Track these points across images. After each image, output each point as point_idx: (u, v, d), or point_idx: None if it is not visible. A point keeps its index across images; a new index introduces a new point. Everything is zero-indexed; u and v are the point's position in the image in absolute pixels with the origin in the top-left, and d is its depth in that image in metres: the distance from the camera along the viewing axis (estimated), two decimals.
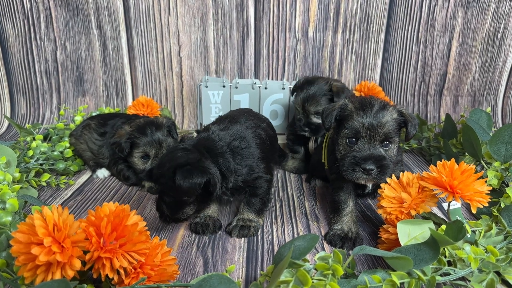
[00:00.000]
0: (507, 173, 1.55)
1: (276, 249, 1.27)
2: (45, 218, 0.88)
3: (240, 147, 1.34)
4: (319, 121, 1.81)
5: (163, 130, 1.69)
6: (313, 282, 0.89)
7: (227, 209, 1.55)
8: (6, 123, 2.56)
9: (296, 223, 1.45)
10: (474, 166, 1.21)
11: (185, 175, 1.16)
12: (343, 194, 1.42)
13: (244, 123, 1.46)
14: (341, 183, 1.42)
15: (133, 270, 0.96)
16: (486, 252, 1.09)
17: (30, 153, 1.72)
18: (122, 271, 0.93)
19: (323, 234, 1.38)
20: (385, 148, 1.29)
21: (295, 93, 1.90)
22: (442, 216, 1.46)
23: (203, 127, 1.46)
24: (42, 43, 2.47)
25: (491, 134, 1.81)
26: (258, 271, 1.16)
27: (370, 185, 1.42)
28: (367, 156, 1.24)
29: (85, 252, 0.90)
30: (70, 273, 0.86)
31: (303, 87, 1.82)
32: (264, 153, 1.43)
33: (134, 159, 1.69)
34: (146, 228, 1.00)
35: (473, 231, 1.19)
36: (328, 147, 1.53)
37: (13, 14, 2.40)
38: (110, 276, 0.90)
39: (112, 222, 0.92)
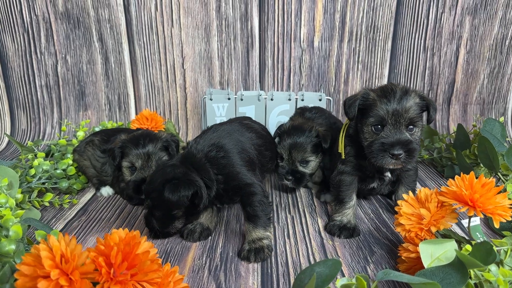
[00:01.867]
0: None
1: (291, 271, 1.22)
2: (52, 249, 0.83)
3: (217, 157, 1.38)
4: (305, 170, 1.78)
5: (157, 144, 1.63)
6: None
7: (237, 230, 1.50)
8: (6, 139, 2.51)
9: (310, 242, 1.39)
10: (494, 179, 1.17)
11: (173, 188, 1.24)
12: (349, 188, 1.51)
13: (222, 133, 1.49)
14: (349, 177, 1.52)
15: None
16: None
17: (32, 172, 1.67)
18: None
19: (339, 254, 1.32)
20: (410, 133, 1.34)
21: (279, 137, 1.85)
22: (461, 233, 1.42)
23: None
24: (42, 57, 2.43)
25: (505, 144, 1.77)
26: None
27: (389, 175, 1.52)
28: (394, 142, 1.30)
29: (94, 284, 0.84)
30: None
31: (290, 133, 1.78)
32: (245, 162, 1.44)
33: (123, 169, 1.63)
34: (158, 255, 0.95)
35: (498, 251, 1.14)
36: (347, 137, 1.55)
37: (12, 28, 2.36)
38: None
39: (122, 251, 0.87)
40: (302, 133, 1.75)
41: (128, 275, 0.86)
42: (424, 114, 1.43)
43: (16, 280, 0.82)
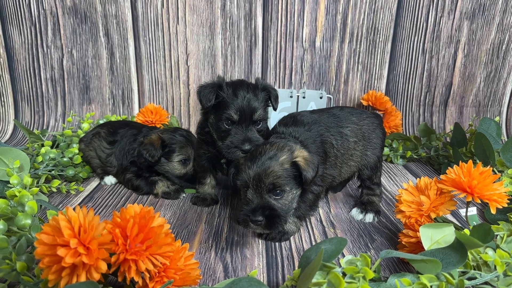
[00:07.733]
0: None
1: (295, 255, 1.26)
2: (70, 220, 0.87)
3: None
4: None
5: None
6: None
7: None
8: (10, 130, 2.53)
9: (313, 230, 1.43)
10: (491, 168, 1.22)
11: None
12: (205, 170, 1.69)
13: None
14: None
15: (157, 274, 0.94)
16: (510, 256, 1.08)
17: (39, 159, 1.70)
18: (147, 274, 0.91)
19: None
20: None
21: None
22: (457, 224, 1.46)
23: None
24: (48, 50, 2.46)
25: (500, 142, 1.82)
26: (280, 277, 1.14)
27: None
28: None
29: (111, 255, 0.88)
30: (96, 276, 0.84)
31: None
32: None
33: (173, 164, 1.72)
34: (170, 230, 0.99)
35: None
36: None
37: (20, 22, 2.39)
38: (136, 279, 0.88)
39: (138, 224, 0.90)
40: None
41: (143, 247, 0.89)
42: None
43: (32, 251, 0.85)
